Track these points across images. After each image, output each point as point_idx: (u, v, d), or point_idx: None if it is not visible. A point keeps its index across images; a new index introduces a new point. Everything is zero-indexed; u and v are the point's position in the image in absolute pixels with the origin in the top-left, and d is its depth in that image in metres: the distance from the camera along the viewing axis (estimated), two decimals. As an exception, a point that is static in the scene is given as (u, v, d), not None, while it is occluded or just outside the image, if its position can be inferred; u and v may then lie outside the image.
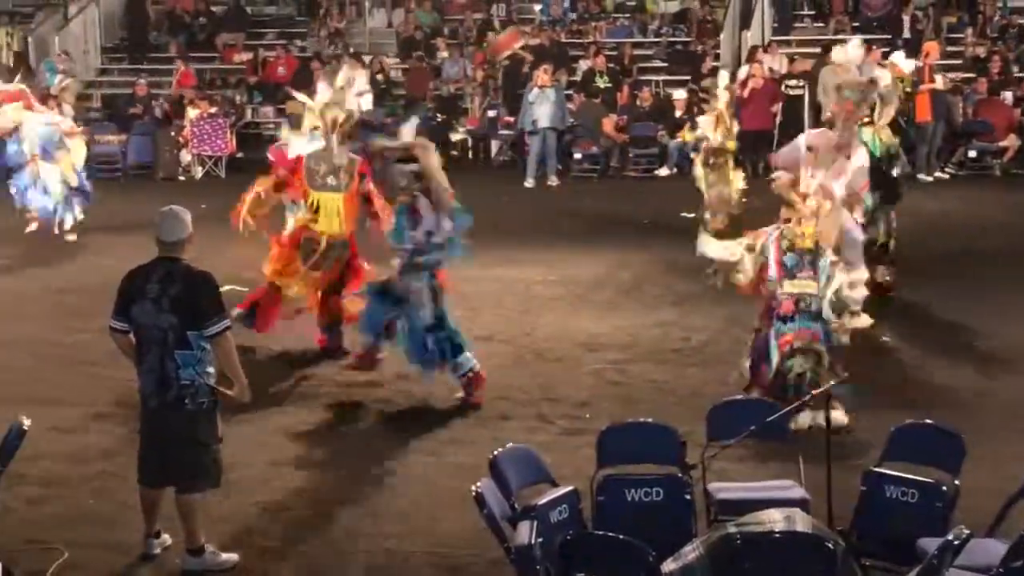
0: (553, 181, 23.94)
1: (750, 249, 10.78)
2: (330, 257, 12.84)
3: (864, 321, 12.19)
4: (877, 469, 7.90)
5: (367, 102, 26.70)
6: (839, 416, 9.86)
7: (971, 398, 11.35)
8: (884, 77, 15.12)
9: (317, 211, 12.79)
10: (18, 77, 21.22)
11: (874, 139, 14.32)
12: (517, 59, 26.64)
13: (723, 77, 19.55)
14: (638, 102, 25.54)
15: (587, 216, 20.55)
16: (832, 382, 8.75)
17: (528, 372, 12.38)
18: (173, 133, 25.85)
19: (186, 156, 25.58)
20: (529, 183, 23.74)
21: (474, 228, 11.50)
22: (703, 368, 12.37)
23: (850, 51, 14.22)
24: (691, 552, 6.74)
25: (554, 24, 29.30)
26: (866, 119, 14.47)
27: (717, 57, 26.63)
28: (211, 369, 8.22)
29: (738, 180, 18.28)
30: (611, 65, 26.75)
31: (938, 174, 23.63)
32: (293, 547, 8.63)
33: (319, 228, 12.76)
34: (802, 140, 12.84)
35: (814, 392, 8.50)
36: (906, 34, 27.22)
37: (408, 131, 11.93)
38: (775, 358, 10.54)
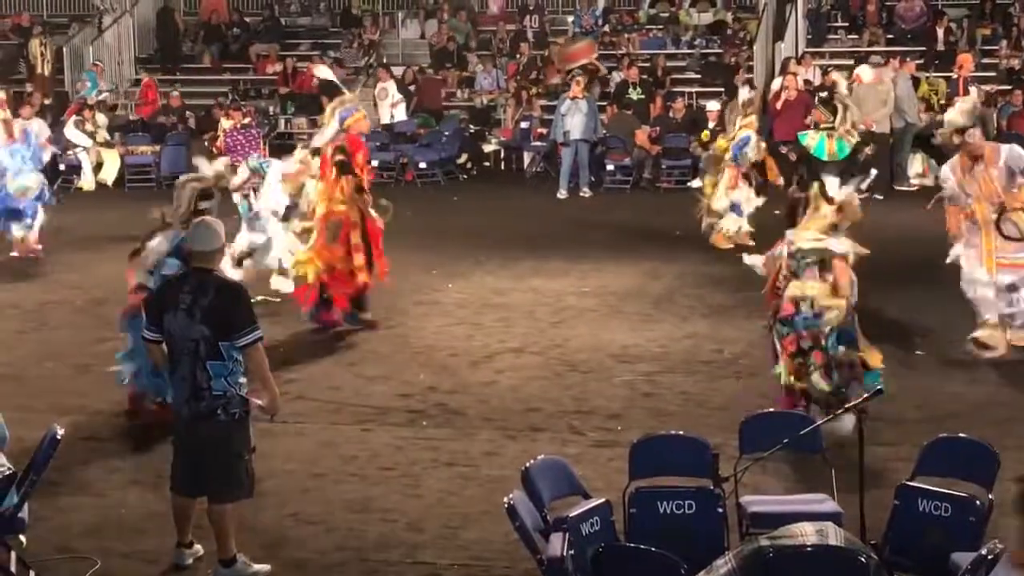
0: (586, 192, 23.97)
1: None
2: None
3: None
4: (910, 483, 7.86)
5: (400, 112, 26.96)
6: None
7: (1004, 411, 11.27)
8: (842, 84, 16.64)
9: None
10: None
11: (839, 144, 15.39)
12: (590, 70, 26.76)
13: (743, 93, 19.58)
14: (671, 113, 25.55)
15: (619, 227, 20.54)
16: (864, 395, 8.71)
17: (560, 384, 12.37)
18: (206, 143, 25.94)
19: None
20: (562, 194, 23.75)
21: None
22: (735, 380, 12.35)
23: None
24: (723, 565, 6.71)
25: (587, 35, 29.32)
26: (828, 124, 15.04)
27: (750, 69, 26.60)
28: (243, 380, 8.23)
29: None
30: (644, 76, 26.78)
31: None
32: (325, 558, 8.63)
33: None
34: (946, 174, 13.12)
35: (847, 406, 8.46)
36: (940, 46, 27.15)
37: None
38: (782, 364, 10.51)
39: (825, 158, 15.04)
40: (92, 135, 25.52)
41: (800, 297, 10.41)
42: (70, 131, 25.38)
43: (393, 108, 26.95)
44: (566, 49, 28.28)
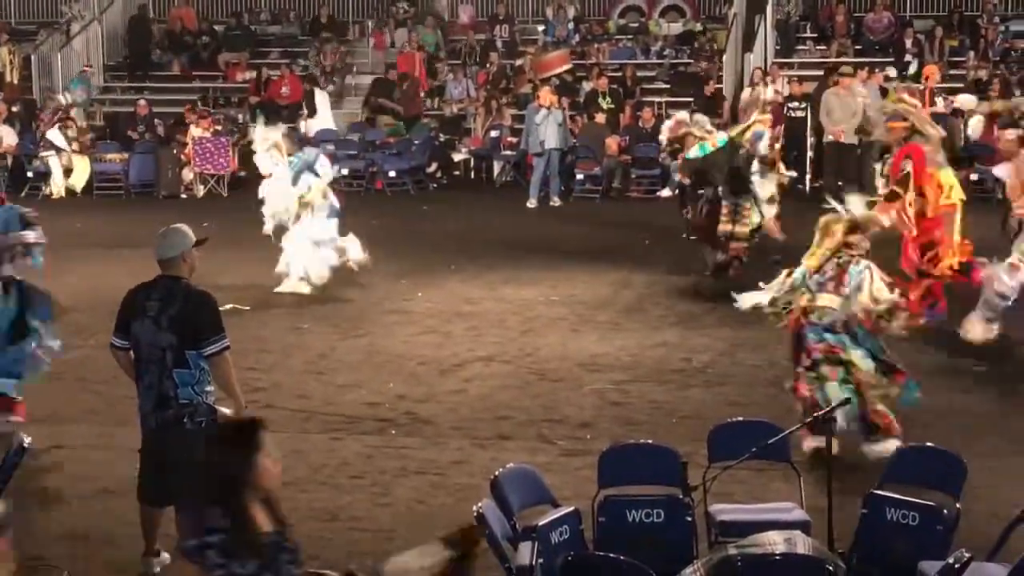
0: (556, 202, 23.94)
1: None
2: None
3: None
4: (878, 491, 7.89)
5: (324, 120, 26.99)
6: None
7: (972, 420, 11.32)
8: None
9: None
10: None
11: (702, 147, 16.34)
12: (564, 80, 26.84)
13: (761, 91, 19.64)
14: (640, 123, 25.60)
15: (589, 237, 20.55)
16: (832, 405, 8.74)
17: (529, 392, 12.37)
18: (175, 151, 25.87)
19: (188, 174, 25.60)
20: (532, 203, 23.72)
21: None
22: (705, 389, 12.37)
23: None
24: (692, 574, 6.73)
25: (557, 45, 29.33)
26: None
27: (720, 79, 26.69)
28: (210, 388, 8.21)
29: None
30: (613, 86, 26.82)
31: (940, 198, 23.62)
32: (293, 566, 8.60)
33: None
34: None
35: (816, 414, 8.48)
36: (908, 58, 27.28)
37: None
38: (803, 366, 10.31)
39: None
40: (73, 140, 25.55)
41: (814, 308, 10.28)
42: (53, 134, 25.41)
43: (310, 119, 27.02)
44: (540, 58, 28.31)
